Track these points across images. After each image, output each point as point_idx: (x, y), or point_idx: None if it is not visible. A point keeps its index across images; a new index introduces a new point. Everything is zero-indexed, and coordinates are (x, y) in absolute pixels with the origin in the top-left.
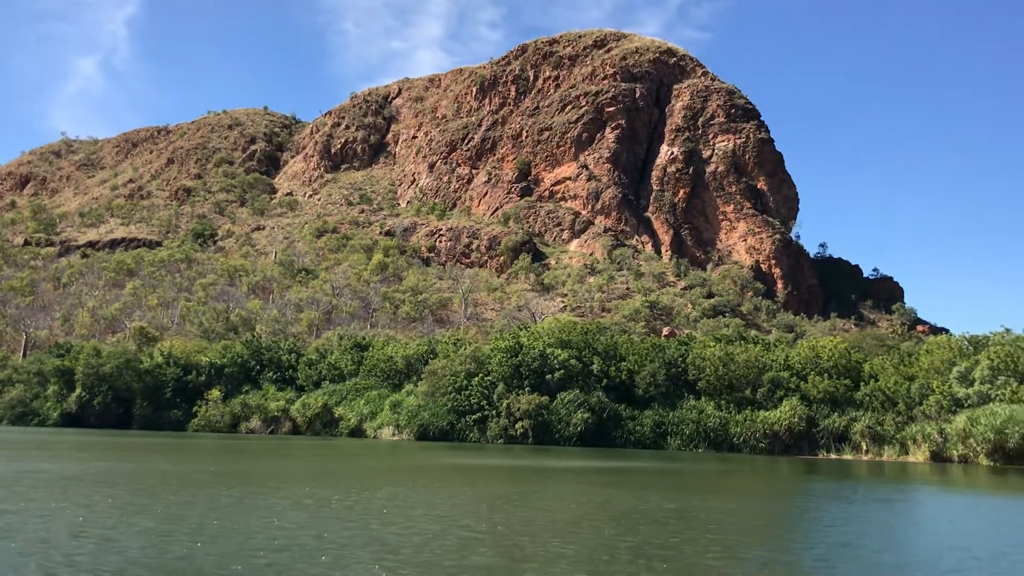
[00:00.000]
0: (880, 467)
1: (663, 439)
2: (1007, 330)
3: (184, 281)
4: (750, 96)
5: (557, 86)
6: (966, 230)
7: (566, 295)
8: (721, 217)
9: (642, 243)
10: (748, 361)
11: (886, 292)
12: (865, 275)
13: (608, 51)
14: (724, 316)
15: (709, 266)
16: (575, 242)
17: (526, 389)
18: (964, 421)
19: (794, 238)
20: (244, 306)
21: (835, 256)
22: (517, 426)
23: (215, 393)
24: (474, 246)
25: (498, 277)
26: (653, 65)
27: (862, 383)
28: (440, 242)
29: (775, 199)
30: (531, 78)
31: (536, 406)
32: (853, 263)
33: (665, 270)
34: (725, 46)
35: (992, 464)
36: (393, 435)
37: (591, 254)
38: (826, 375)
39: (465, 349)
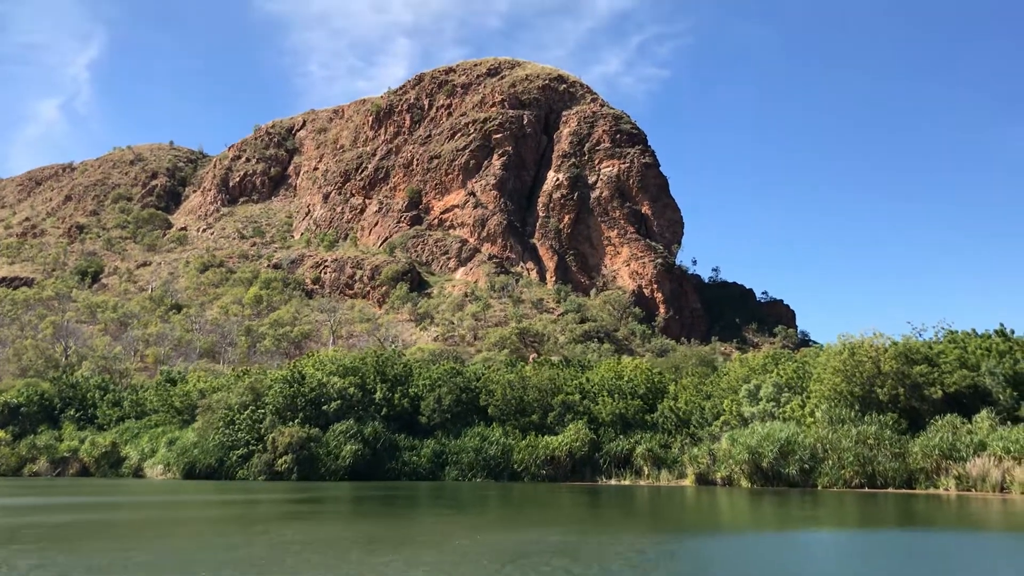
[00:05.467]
0: (634, 493)
1: (441, 469)
2: (820, 345)
3: (34, 319)
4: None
5: (449, 114)
6: (871, 250)
7: (439, 324)
8: (606, 242)
9: (527, 270)
10: (540, 384)
11: (776, 315)
12: (758, 299)
13: (501, 79)
14: (594, 342)
15: (593, 291)
16: (460, 270)
17: (297, 421)
18: (727, 441)
19: (680, 263)
20: (88, 343)
21: (728, 280)
22: (279, 461)
23: (0, 434)
24: (357, 277)
25: (380, 308)
26: (542, 92)
27: (661, 405)
28: (325, 273)
29: (659, 223)
30: (425, 107)
31: (302, 439)
32: (748, 287)
33: (546, 296)
34: (684, 83)
35: (751, 486)
36: (162, 474)
37: (475, 282)
38: (623, 397)
39: (244, 380)
